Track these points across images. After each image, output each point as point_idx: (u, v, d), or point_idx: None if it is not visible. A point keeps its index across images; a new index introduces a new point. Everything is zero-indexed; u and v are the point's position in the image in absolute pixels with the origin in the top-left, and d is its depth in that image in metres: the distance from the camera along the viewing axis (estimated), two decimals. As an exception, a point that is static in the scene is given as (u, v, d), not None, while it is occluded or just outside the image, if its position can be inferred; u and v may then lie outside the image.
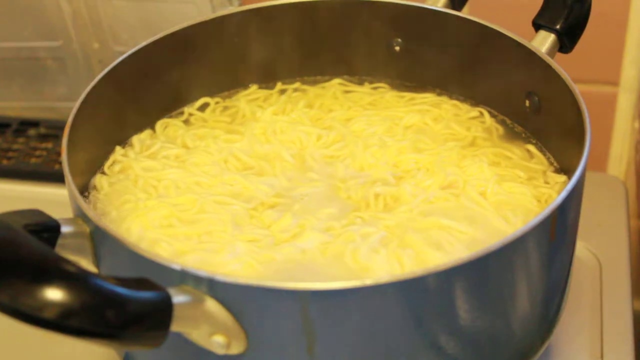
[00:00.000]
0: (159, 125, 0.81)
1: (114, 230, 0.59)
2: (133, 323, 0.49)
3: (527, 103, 0.77)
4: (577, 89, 0.69)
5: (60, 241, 0.60)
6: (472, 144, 0.78)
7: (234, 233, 0.67)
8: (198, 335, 0.55)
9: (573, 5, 0.76)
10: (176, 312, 0.52)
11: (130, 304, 0.50)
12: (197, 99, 0.84)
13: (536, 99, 0.76)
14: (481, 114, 0.81)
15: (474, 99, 0.83)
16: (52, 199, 0.97)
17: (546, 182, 0.73)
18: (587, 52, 0.91)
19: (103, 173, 0.75)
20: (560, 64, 0.72)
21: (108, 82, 0.73)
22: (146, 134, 0.80)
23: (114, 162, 0.76)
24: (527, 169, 0.74)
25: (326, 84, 0.86)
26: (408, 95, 0.84)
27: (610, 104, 1.04)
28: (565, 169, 0.74)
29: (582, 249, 0.87)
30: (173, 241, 0.66)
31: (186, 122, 0.82)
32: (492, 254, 0.56)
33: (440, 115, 0.81)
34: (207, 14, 0.85)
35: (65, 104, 1.12)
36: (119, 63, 0.75)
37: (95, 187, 0.74)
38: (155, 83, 0.80)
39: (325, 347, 0.56)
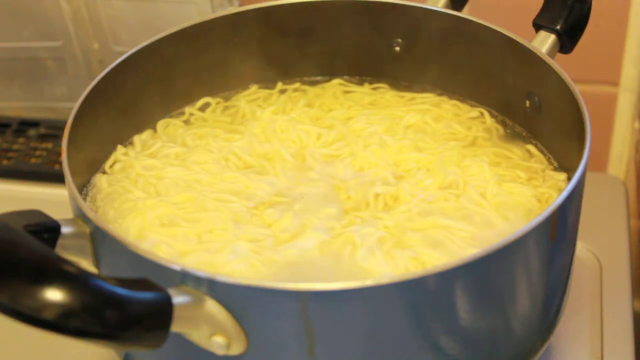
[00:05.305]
0: (160, 124, 0.81)
1: (114, 231, 0.59)
2: (133, 324, 0.49)
3: (527, 103, 0.77)
4: (577, 89, 0.69)
5: (60, 242, 0.60)
6: (473, 143, 0.78)
7: (234, 232, 0.67)
8: (198, 335, 0.55)
9: (573, 5, 0.76)
10: (176, 313, 0.52)
11: (131, 304, 0.50)
12: (197, 99, 0.84)
13: (536, 99, 0.76)
14: (481, 114, 0.81)
15: (474, 99, 0.83)
16: (52, 199, 0.97)
17: (545, 180, 0.73)
18: (587, 52, 0.91)
19: (103, 172, 0.75)
20: (560, 64, 0.72)
21: (108, 82, 0.73)
22: (147, 133, 0.80)
23: (115, 162, 0.76)
24: (527, 169, 0.74)
25: (326, 84, 0.86)
26: (408, 95, 0.84)
27: (610, 104, 1.04)
28: (566, 169, 0.73)
29: (582, 249, 0.87)
30: (173, 242, 0.66)
31: (186, 122, 0.82)
32: (493, 255, 0.56)
33: (440, 114, 0.81)
34: (207, 14, 0.85)
35: (65, 104, 1.12)
36: (119, 63, 0.75)
37: (95, 186, 0.74)
38: (156, 83, 0.80)
39: (325, 348, 0.56)
